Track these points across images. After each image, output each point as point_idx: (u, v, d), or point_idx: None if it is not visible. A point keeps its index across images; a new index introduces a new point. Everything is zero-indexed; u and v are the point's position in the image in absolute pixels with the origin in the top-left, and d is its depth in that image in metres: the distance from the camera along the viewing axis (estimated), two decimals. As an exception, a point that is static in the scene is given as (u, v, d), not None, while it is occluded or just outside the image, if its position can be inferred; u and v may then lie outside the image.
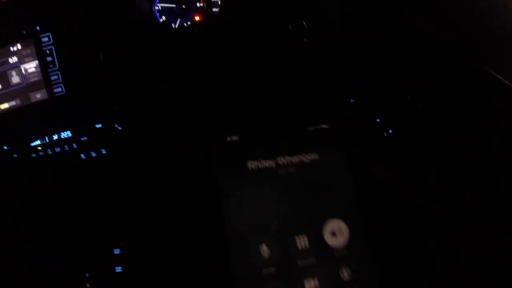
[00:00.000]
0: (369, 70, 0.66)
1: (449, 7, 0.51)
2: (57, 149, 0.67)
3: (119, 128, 0.69)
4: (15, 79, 0.64)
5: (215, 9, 0.86)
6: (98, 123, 0.68)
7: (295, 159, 0.35)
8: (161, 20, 0.84)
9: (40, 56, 0.64)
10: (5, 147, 0.66)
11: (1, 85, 0.64)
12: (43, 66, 0.64)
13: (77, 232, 0.65)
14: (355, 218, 0.33)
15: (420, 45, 0.54)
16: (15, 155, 0.66)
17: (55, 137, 0.67)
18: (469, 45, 0.47)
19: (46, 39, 0.64)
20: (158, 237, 0.59)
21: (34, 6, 0.65)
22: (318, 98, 0.65)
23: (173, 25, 0.85)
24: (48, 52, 0.64)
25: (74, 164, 0.69)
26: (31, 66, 0.64)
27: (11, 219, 0.64)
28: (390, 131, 0.67)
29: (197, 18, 0.86)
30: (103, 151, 0.70)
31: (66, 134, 0.68)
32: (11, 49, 0.64)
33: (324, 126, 0.39)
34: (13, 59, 0.64)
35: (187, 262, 0.47)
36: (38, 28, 0.64)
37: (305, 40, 0.74)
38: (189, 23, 0.85)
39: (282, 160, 0.34)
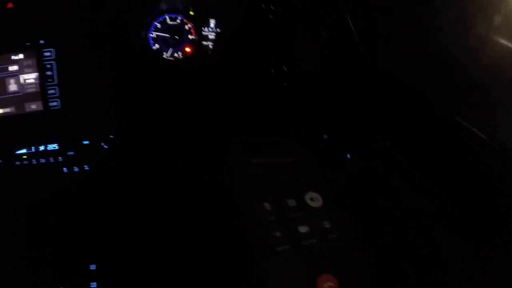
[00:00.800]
0: (344, 111, 0.74)
1: (427, 56, 0.60)
2: (42, 160, 0.68)
3: (106, 146, 0.72)
4: (13, 87, 0.65)
5: (205, 43, 0.92)
6: (86, 140, 0.70)
7: (278, 160, 0.54)
8: (154, 47, 0.88)
9: (41, 69, 0.66)
10: (-11, 152, 0.66)
11: (-2, 91, 0.64)
12: (42, 79, 0.66)
13: (53, 246, 0.65)
14: (326, 190, 0.50)
15: (396, 91, 0.64)
16: (-2, 161, 0.66)
17: (42, 148, 0.68)
18: (444, 94, 0.56)
19: (48, 53, 0.66)
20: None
21: (41, 19, 0.67)
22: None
23: (164, 53, 0.90)
24: (49, 66, 0.66)
25: (56, 177, 0.70)
26: (30, 77, 0.66)
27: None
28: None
29: (187, 49, 0.91)
30: (86, 167, 0.72)
31: (52, 146, 0.69)
32: (13, 57, 0.65)
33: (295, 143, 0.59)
34: (13, 68, 0.65)
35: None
36: (42, 41, 0.66)
37: (285, 84, 0.82)
38: (180, 53, 0.91)
39: (271, 159, 0.54)
